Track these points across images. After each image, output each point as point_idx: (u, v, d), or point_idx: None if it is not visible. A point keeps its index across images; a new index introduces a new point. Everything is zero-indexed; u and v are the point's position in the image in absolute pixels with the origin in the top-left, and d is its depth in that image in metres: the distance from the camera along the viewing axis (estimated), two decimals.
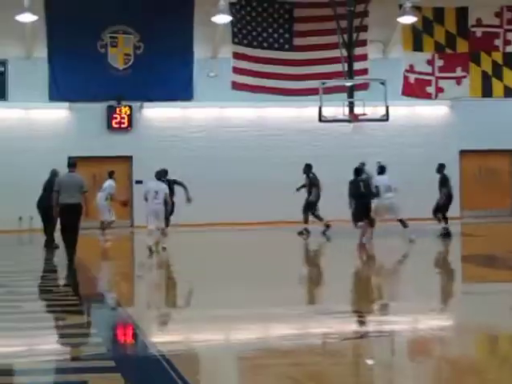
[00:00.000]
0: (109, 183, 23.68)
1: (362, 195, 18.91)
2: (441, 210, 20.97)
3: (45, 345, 8.34)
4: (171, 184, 19.58)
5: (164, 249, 17.75)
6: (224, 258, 17.38)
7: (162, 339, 8.66)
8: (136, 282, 14.50)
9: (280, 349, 7.95)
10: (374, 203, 19.14)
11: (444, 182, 20.94)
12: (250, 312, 10.07)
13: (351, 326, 9.33)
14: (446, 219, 20.82)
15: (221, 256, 17.81)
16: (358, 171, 19.51)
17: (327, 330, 8.99)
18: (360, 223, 18.98)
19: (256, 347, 8.11)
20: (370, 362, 7.67)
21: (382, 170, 19.76)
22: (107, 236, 22.94)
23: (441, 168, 21.08)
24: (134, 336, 9.02)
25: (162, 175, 18.76)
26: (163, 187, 17.92)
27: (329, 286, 13.02)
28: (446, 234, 20.70)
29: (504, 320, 9.27)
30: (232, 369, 7.44)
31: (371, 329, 9.21)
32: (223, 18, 23.58)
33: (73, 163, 16.08)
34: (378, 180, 19.41)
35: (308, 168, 22.42)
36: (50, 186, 17.34)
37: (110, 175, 23.91)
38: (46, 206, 17.64)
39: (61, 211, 15.44)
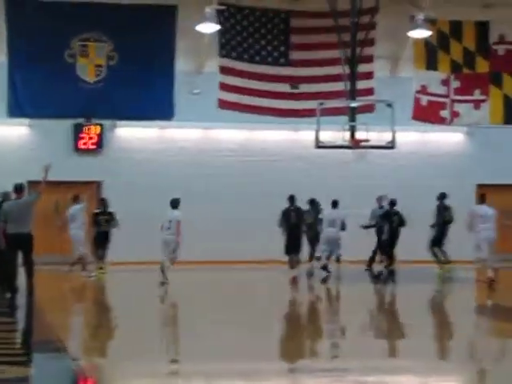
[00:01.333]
0: (79, 208, 22.97)
1: (292, 225, 20.68)
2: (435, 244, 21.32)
3: None
4: None
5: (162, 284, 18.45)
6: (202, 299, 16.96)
7: None
8: (104, 329, 13.96)
9: None
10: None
11: (439, 211, 21.27)
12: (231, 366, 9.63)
13: None
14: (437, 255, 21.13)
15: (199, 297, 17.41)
16: (291, 199, 21.36)
17: None
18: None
19: None
20: None
21: (334, 204, 21.75)
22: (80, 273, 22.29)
23: (440, 197, 21.40)
24: None
25: (177, 204, 20.15)
26: (176, 215, 19.49)
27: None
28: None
29: None
30: None
31: None
32: (209, 27, 23.23)
33: (19, 187, 15.95)
34: (326, 214, 21.38)
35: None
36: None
37: (75, 200, 23.27)
38: None
39: (9, 242, 15.14)
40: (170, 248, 19.03)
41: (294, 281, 20.05)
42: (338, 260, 22.92)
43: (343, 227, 21.91)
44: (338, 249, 21.99)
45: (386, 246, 22.28)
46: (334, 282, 21.50)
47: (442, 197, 22.73)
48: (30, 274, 15.34)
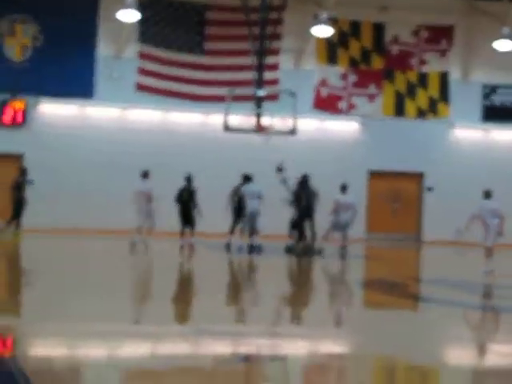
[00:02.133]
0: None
1: (183, 201, 21.30)
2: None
3: None
4: None
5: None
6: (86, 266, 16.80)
7: (26, 354, 8.06)
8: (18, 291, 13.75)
9: (152, 370, 7.48)
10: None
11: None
12: (123, 329, 9.56)
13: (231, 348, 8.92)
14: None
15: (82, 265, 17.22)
16: (189, 180, 21.53)
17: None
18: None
19: (126, 368, 7.61)
20: None
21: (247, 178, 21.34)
22: None
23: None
24: None
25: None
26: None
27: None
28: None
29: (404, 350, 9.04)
30: None
31: (255, 351, 8.82)
32: (130, 15, 22.99)
33: None
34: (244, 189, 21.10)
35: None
36: None
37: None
38: None
39: None
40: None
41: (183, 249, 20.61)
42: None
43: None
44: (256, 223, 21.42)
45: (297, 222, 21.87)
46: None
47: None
48: None
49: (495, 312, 13.14)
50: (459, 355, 9.36)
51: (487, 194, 17.77)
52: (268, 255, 20.37)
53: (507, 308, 13.18)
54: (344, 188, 20.94)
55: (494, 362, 8.98)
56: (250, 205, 20.72)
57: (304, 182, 21.25)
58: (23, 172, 22.90)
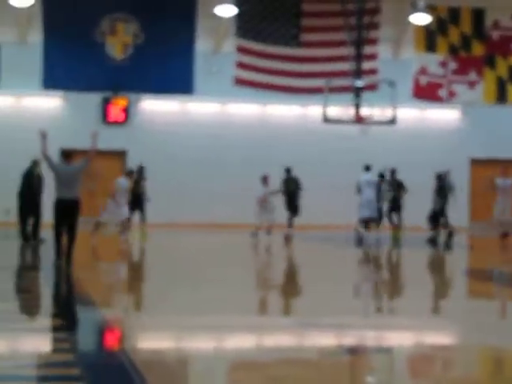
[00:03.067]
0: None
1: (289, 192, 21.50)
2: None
3: (8, 349, 7.87)
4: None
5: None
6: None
7: (136, 347, 8.18)
8: (125, 285, 13.99)
9: (258, 362, 7.48)
10: None
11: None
12: (232, 321, 9.60)
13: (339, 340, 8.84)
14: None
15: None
16: (288, 171, 21.78)
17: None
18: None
19: (234, 360, 7.64)
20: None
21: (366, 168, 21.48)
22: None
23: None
24: (107, 342, 8.55)
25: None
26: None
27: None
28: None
29: None
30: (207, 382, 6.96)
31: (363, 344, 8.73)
32: (227, 10, 23.12)
33: (68, 154, 15.01)
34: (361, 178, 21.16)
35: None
36: (31, 177, 17.12)
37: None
38: (28, 196, 17.37)
39: (57, 206, 14.48)
40: None
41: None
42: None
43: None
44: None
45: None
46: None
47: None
48: (72, 239, 14.51)
49: None
50: None
51: None
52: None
53: None
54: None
55: None
56: (366, 193, 20.82)
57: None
58: (140, 170, 21.94)
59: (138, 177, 21.39)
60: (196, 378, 7.04)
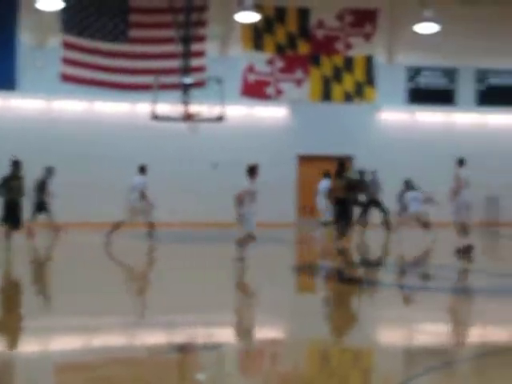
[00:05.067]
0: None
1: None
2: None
3: None
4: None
5: None
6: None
7: None
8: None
9: (84, 363, 7.47)
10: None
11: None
12: (58, 323, 9.51)
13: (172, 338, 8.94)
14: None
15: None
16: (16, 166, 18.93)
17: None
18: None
19: (59, 361, 7.59)
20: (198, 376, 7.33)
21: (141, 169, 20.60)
22: None
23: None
24: None
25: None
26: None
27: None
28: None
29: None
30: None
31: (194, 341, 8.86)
32: (51, 4, 22.63)
33: None
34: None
35: None
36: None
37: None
38: None
39: None
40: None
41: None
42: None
43: None
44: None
45: None
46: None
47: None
48: None
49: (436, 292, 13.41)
50: (390, 335, 9.55)
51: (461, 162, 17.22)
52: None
53: (447, 288, 13.46)
54: None
55: (423, 340, 9.18)
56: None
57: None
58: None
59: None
60: (21, 380, 6.95)
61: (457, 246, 16.94)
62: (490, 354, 8.42)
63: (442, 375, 7.51)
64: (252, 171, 15.77)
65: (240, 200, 15.47)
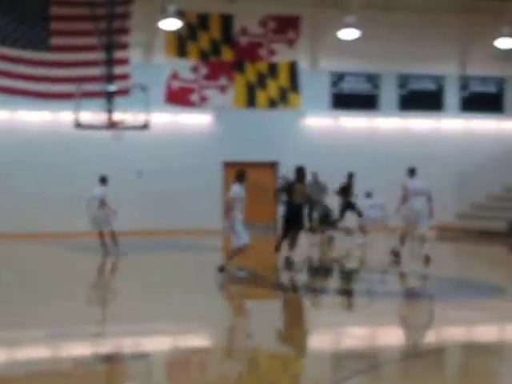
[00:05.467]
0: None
1: None
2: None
3: None
4: None
5: None
6: None
7: None
8: None
9: (10, 377, 7.35)
10: None
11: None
12: None
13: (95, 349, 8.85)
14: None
15: None
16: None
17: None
18: None
19: None
20: None
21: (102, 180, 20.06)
22: None
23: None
24: None
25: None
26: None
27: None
28: None
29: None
30: None
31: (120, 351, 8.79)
32: None
33: None
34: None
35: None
36: None
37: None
38: None
39: None
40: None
41: None
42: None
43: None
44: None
45: None
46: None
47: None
48: None
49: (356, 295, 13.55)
50: (319, 340, 9.63)
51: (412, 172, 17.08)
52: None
53: (367, 292, 13.61)
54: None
55: (351, 344, 9.28)
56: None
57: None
58: None
59: None
60: None
61: (391, 251, 17.10)
62: (416, 356, 8.55)
63: (369, 378, 7.59)
64: (241, 176, 15.11)
65: (231, 207, 14.87)
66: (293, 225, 16.62)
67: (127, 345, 9.18)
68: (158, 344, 9.26)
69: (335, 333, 9.88)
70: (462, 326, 10.50)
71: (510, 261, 20.02)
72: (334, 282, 15.71)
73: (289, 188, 17.20)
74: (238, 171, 15.30)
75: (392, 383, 7.53)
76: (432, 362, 8.27)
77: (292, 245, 16.66)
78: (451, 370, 8.23)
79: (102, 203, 19.69)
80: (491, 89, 30.59)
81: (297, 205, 16.71)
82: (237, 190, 14.98)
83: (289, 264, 16.15)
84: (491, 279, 14.91)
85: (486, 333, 10.07)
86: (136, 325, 10.32)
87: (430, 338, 9.89)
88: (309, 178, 24.00)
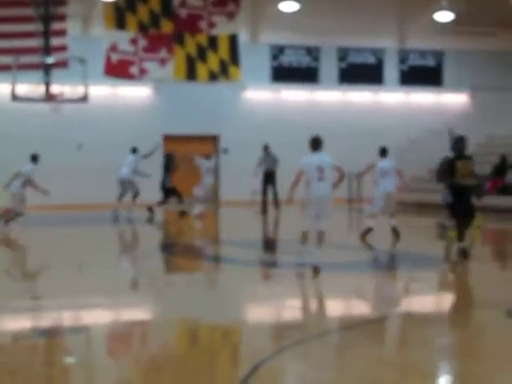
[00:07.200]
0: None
1: None
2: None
3: None
4: None
5: None
6: None
7: None
8: None
9: None
10: None
11: None
12: None
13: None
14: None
15: None
16: None
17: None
18: None
19: None
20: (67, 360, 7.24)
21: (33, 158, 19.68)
22: None
23: None
24: None
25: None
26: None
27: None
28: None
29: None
30: None
31: (60, 324, 8.74)
32: None
33: None
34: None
35: None
36: None
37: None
38: None
39: None
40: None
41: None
42: None
43: None
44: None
45: None
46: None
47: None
48: None
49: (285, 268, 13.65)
50: (259, 312, 9.69)
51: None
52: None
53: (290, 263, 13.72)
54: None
55: (290, 316, 9.37)
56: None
57: None
58: None
59: None
60: None
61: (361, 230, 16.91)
62: (354, 326, 8.67)
63: (308, 347, 7.67)
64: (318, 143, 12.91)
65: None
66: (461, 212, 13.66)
67: (66, 318, 9.14)
68: (97, 317, 9.24)
69: (271, 304, 9.95)
70: (401, 297, 10.68)
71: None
72: (268, 255, 15.80)
73: (450, 166, 13.60)
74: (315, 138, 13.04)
75: (331, 352, 7.62)
76: (371, 332, 8.39)
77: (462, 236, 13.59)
78: (389, 339, 8.37)
79: (26, 182, 19.18)
80: (430, 62, 30.93)
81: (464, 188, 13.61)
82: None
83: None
84: (430, 251, 15.15)
85: (424, 303, 10.25)
86: (77, 298, 10.26)
87: (369, 308, 10.03)
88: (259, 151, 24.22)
